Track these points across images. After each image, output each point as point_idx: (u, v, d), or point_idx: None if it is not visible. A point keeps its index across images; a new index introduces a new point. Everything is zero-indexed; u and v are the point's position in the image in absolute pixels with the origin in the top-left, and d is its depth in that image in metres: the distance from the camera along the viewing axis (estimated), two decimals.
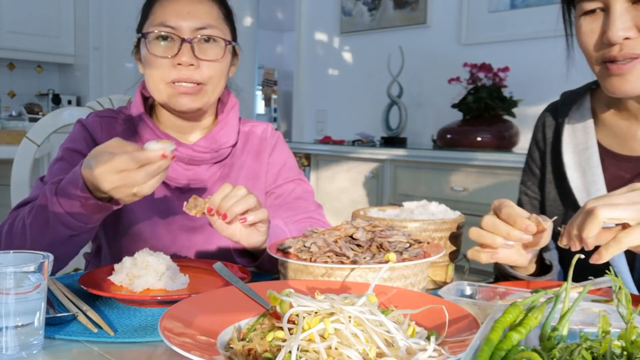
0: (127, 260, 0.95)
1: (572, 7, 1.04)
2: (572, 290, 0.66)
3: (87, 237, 1.07)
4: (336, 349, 0.56)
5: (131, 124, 1.26)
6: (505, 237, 0.87)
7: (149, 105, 1.29)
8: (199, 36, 1.17)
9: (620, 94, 0.97)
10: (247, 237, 1.03)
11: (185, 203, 0.99)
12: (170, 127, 1.27)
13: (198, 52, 1.17)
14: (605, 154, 1.09)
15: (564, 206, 1.13)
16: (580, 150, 1.10)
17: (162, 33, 1.17)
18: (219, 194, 0.98)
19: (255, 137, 1.35)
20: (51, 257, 0.73)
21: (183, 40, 1.16)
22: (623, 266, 1.01)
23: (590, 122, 1.11)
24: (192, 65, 1.16)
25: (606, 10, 0.93)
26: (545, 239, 0.91)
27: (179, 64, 1.16)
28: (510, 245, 0.88)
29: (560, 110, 1.16)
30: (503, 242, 0.88)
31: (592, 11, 0.95)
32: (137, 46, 1.25)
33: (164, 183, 1.24)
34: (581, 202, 1.07)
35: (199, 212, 0.98)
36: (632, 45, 0.92)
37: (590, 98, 1.14)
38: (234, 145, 1.30)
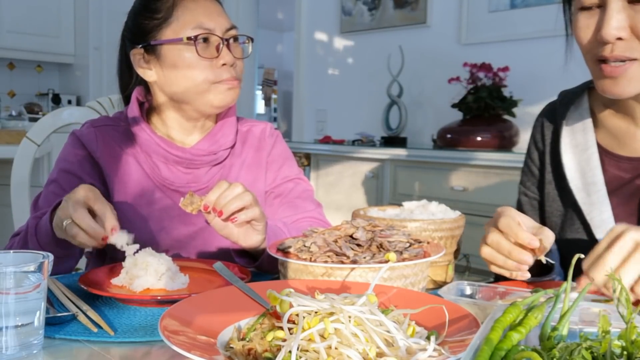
0: (128, 260, 0.95)
1: (571, 2, 1.03)
2: (572, 290, 0.66)
3: (70, 264, 1.16)
4: (336, 348, 0.56)
5: (128, 130, 1.25)
6: (507, 257, 0.87)
7: (145, 110, 1.28)
8: (231, 36, 1.20)
9: (611, 96, 0.97)
10: (245, 236, 1.03)
11: (181, 199, 0.99)
12: (175, 129, 1.27)
13: (232, 51, 1.20)
14: (605, 154, 1.08)
15: (564, 206, 1.13)
16: (579, 150, 1.10)
17: (205, 35, 1.17)
18: (215, 191, 0.98)
19: (253, 137, 1.35)
20: (51, 257, 0.73)
21: (223, 41, 1.18)
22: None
23: (589, 122, 1.11)
24: (232, 64, 1.19)
25: (602, 7, 0.92)
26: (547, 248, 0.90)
27: (223, 64, 1.18)
28: (524, 267, 0.88)
29: (559, 111, 1.16)
30: (516, 265, 0.87)
31: (590, 7, 0.95)
32: (147, 52, 1.21)
33: (164, 186, 1.24)
34: (581, 203, 1.07)
35: (195, 209, 0.98)
36: (624, 47, 0.91)
37: (588, 97, 1.13)
38: (232, 147, 1.30)
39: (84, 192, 0.99)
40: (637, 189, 1.05)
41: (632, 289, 0.76)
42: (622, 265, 0.76)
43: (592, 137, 1.09)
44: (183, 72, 1.18)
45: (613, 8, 0.90)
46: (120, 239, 0.98)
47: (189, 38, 1.16)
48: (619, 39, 0.91)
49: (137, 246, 0.99)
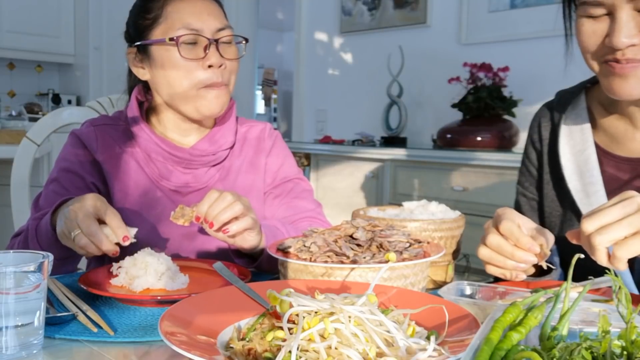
0: (127, 260, 0.95)
1: (572, 4, 1.03)
2: (572, 290, 0.66)
3: (72, 267, 1.15)
4: (336, 348, 0.56)
5: (127, 129, 1.25)
6: (509, 259, 0.87)
7: (144, 109, 1.28)
8: (222, 37, 1.18)
9: (620, 96, 0.96)
10: (241, 240, 1.03)
11: (172, 212, 0.99)
12: (171, 129, 1.27)
13: (222, 52, 1.18)
14: (603, 155, 1.08)
15: (563, 207, 1.13)
16: (577, 151, 1.10)
17: (191, 36, 1.16)
18: (205, 201, 0.98)
19: (253, 138, 1.35)
20: (51, 257, 0.73)
21: (211, 42, 1.16)
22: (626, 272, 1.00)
23: (587, 122, 1.10)
24: (220, 66, 1.17)
25: (611, 15, 0.92)
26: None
27: (210, 66, 1.16)
28: (523, 267, 0.88)
29: (556, 111, 1.16)
30: (515, 265, 0.87)
31: (595, 14, 0.94)
32: (140, 52, 1.22)
33: (163, 186, 1.24)
34: (580, 204, 1.06)
35: (186, 220, 0.99)
36: (636, 51, 0.91)
37: (585, 97, 1.13)
38: (231, 147, 1.30)
39: (92, 202, 0.97)
40: (636, 189, 1.04)
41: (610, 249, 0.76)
42: (616, 222, 0.75)
43: (589, 138, 1.09)
44: (169, 72, 1.18)
45: (622, 17, 0.89)
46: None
47: (171, 39, 1.15)
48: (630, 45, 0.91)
49: (135, 229, 0.99)
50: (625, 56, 0.91)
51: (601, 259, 0.77)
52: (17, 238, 1.17)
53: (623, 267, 0.76)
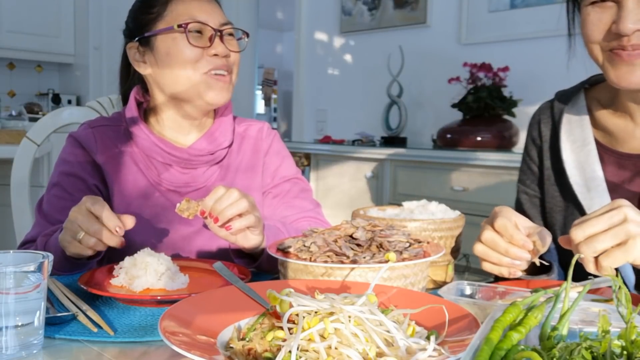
0: (127, 260, 0.95)
1: (576, 1, 1.04)
2: (572, 290, 0.66)
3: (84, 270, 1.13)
4: (336, 348, 0.56)
5: (125, 130, 1.25)
6: (504, 255, 0.88)
7: (143, 110, 1.28)
8: (226, 29, 1.21)
9: (626, 85, 0.96)
10: (243, 239, 1.03)
11: (177, 205, 1.00)
12: (170, 128, 1.27)
13: (226, 44, 1.20)
14: (604, 152, 1.09)
15: (565, 202, 1.13)
16: (577, 146, 1.10)
17: (198, 25, 1.18)
18: (211, 196, 0.98)
19: (251, 137, 1.35)
20: (51, 257, 0.73)
21: (216, 32, 1.19)
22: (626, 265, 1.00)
23: (587, 119, 1.11)
24: (225, 56, 1.20)
25: (617, 3, 0.93)
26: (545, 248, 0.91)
27: (215, 55, 1.18)
28: (518, 265, 0.88)
29: (556, 108, 1.17)
30: (510, 262, 0.88)
31: (601, 0, 0.95)
32: (142, 45, 1.23)
33: (162, 186, 1.24)
34: (581, 199, 1.07)
35: (191, 214, 0.99)
36: None
37: (584, 96, 1.14)
38: (230, 146, 1.30)
39: (86, 202, 0.98)
40: (637, 186, 1.05)
41: (596, 258, 0.78)
42: (601, 232, 0.77)
43: (589, 134, 1.10)
44: (175, 61, 1.18)
45: (629, 4, 0.91)
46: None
47: (179, 26, 1.17)
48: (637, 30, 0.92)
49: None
50: (630, 42, 0.92)
51: (589, 268, 0.79)
52: (25, 248, 1.17)
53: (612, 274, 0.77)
